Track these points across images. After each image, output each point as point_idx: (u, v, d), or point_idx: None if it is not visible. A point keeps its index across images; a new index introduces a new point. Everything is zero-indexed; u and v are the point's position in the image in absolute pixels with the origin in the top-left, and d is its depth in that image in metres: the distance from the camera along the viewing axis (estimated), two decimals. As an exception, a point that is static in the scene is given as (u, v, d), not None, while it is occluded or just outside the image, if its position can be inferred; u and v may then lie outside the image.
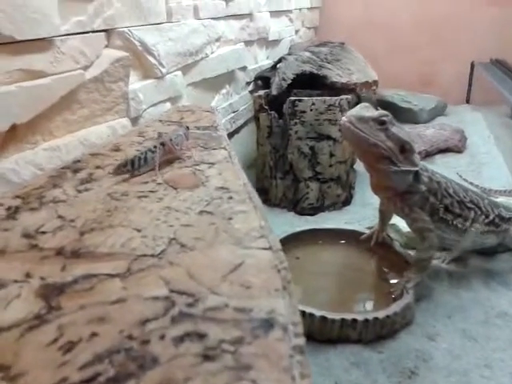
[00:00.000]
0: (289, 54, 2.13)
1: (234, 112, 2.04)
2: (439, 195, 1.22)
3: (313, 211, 1.81)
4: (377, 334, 1.10)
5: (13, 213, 0.74)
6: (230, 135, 2.02)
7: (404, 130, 1.16)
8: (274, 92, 1.82)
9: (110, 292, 0.53)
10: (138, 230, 0.67)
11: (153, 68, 1.33)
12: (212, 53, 1.74)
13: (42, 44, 0.94)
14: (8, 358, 0.44)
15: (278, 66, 1.97)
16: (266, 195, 1.89)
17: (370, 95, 1.87)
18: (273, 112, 1.78)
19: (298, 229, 1.49)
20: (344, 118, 1.11)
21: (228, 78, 1.96)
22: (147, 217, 0.71)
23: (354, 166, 1.90)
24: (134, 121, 1.27)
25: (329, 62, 2.02)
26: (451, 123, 2.59)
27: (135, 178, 0.87)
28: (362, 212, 1.77)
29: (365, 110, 1.13)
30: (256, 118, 1.88)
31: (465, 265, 1.41)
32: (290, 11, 2.78)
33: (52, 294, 0.54)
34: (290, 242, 1.41)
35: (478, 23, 3.22)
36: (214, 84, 1.82)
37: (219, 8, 1.78)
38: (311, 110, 1.70)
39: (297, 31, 3.00)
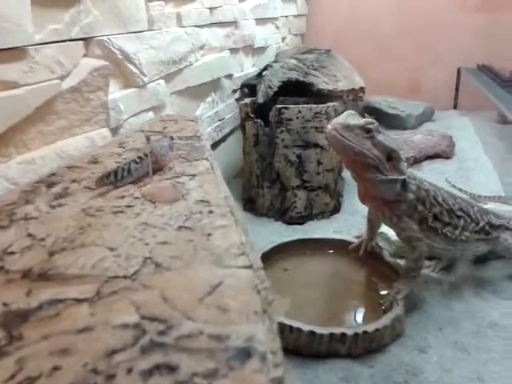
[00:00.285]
0: (275, 62, 2.11)
1: (219, 120, 2.01)
2: (428, 204, 1.19)
3: (301, 220, 1.77)
4: (366, 347, 1.07)
5: (-20, 232, 0.70)
6: (217, 144, 1.99)
7: (390, 138, 1.14)
8: (260, 100, 1.80)
9: (77, 319, 0.50)
10: (112, 249, 0.63)
11: (134, 77, 1.30)
12: (196, 61, 1.71)
13: (14, 53, 0.90)
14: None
15: (263, 73, 1.95)
16: (253, 204, 1.86)
17: (357, 102, 1.85)
18: (259, 120, 1.75)
19: (286, 239, 1.46)
20: (329, 126, 1.08)
21: (213, 85, 1.93)
22: (122, 234, 0.68)
23: (342, 174, 1.87)
24: (115, 131, 1.23)
25: (315, 69, 2.00)
26: (439, 129, 2.58)
27: (112, 191, 0.84)
28: (351, 220, 1.75)
29: (351, 117, 1.10)
30: (242, 127, 1.85)
31: (455, 273, 1.38)
32: (276, 18, 2.76)
33: (14, 323, 0.50)
34: (278, 252, 1.38)
35: (465, 29, 3.23)
36: (198, 92, 1.79)
37: (203, 16, 1.75)
38: (297, 117, 1.68)
39: (283, 38, 2.98)
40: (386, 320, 1.09)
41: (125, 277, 0.57)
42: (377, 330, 1.06)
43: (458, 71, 3.29)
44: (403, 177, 1.14)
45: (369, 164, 1.09)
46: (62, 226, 0.71)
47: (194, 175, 0.90)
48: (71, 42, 1.07)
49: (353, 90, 1.86)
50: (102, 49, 1.18)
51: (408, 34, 3.31)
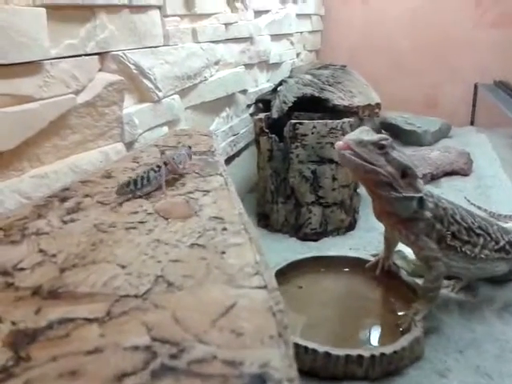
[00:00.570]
0: (290, 77, 2.10)
1: (234, 135, 2.00)
2: (446, 222, 1.16)
3: (316, 237, 1.75)
4: (384, 370, 1.03)
5: (-9, 247, 0.69)
6: (231, 158, 1.98)
7: (405, 155, 1.12)
8: (275, 115, 1.79)
9: (87, 340, 0.48)
10: (123, 267, 0.62)
11: (149, 92, 1.30)
12: (211, 76, 1.71)
13: (30, 68, 0.90)
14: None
15: (278, 88, 1.94)
16: (267, 220, 1.84)
17: (373, 118, 1.83)
18: (273, 135, 1.74)
19: (300, 256, 1.43)
20: (340, 143, 1.06)
21: (228, 101, 1.93)
22: (134, 251, 0.66)
23: (358, 190, 1.85)
24: (129, 146, 1.23)
25: (330, 85, 1.99)
26: (456, 145, 2.54)
27: (125, 207, 0.83)
28: (367, 237, 1.72)
29: (364, 133, 1.08)
30: (257, 142, 1.84)
31: (475, 294, 1.34)
32: (291, 34, 2.77)
33: (22, 343, 0.48)
34: (292, 270, 1.36)
35: (481, 45, 3.21)
36: (213, 107, 1.79)
37: (218, 31, 1.76)
38: (312, 133, 1.66)
39: (298, 54, 2.99)
40: (404, 342, 1.05)
41: (136, 296, 0.55)
42: (395, 352, 1.03)
43: (475, 87, 3.26)
44: (419, 194, 1.11)
45: (382, 181, 1.07)
46: (74, 241, 0.70)
47: (207, 191, 0.89)
48: (86, 57, 1.07)
49: (369, 105, 1.84)
50: (118, 64, 1.18)
51: (424, 50, 3.29)
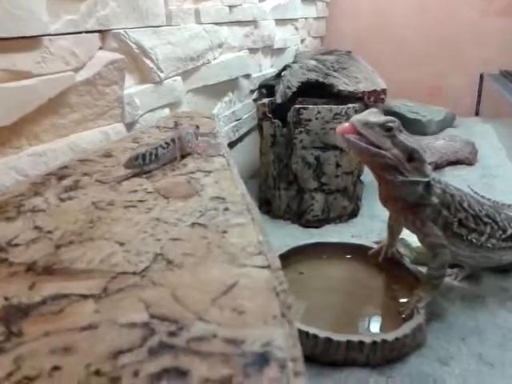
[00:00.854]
0: (294, 62, 2.07)
1: (236, 120, 1.97)
2: (453, 209, 1.14)
3: (318, 223, 1.73)
4: (385, 357, 1.02)
5: (-15, 223, 0.67)
6: (233, 144, 1.96)
7: (413, 138, 1.09)
8: (279, 100, 1.76)
9: (81, 316, 0.46)
10: (121, 244, 0.60)
11: (150, 72, 1.27)
12: (214, 59, 1.68)
13: (28, 43, 0.87)
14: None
15: (282, 73, 1.91)
16: (269, 206, 1.82)
17: (378, 104, 1.80)
18: (277, 120, 1.71)
19: (302, 242, 1.41)
20: (341, 126, 1.04)
21: (231, 85, 1.90)
22: (133, 229, 0.64)
23: (361, 177, 1.82)
24: (129, 126, 1.20)
25: (335, 71, 1.96)
26: (461, 135, 2.51)
27: (125, 186, 0.81)
28: (370, 225, 1.70)
29: (372, 115, 1.05)
30: (259, 127, 1.81)
31: (478, 282, 1.32)
32: (295, 20, 2.73)
33: (14, 318, 0.46)
34: (294, 256, 1.34)
35: (487, 34, 3.16)
36: (216, 91, 1.76)
37: (222, 13, 1.72)
38: (317, 118, 1.63)
39: (302, 40, 2.95)
40: (406, 329, 1.03)
41: (134, 273, 0.53)
42: (397, 338, 1.01)
43: (481, 77, 3.22)
44: (426, 179, 1.08)
45: (387, 164, 1.04)
46: (71, 219, 0.68)
47: (209, 171, 0.87)
48: (87, 34, 1.04)
49: (374, 91, 1.81)
50: (119, 42, 1.15)
51: (430, 39, 3.25)
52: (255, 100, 1.95)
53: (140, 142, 1.05)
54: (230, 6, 1.79)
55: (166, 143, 0.91)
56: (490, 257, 1.22)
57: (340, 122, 1.63)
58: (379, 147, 1.03)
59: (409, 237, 1.38)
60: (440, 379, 0.99)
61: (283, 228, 1.72)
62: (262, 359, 0.39)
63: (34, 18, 0.88)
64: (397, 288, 1.25)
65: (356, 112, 1.64)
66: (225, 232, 0.63)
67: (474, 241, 1.17)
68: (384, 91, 1.83)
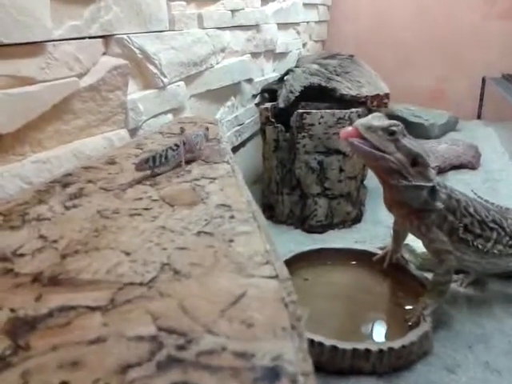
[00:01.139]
0: (296, 67, 2.07)
1: (239, 125, 1.97)
2: (458, 214, 1.13)
3: (321, 229, 1.72)
4: (392, 365, 1.01)
5: (-10, 232, 0.66)
6: (236, 149, 1.95)
7: (417, 142, 1.08)
8: (281, 104, 1.75)
9: (89, 329, 0.45)
10: (127, 254, 0.59)
11: (154, 77, 1.27)
12: (217, 63, 1.68)
13: (32, 49, 0.87)
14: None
15: (285, 78, 1.91)
16: (272, 211, 1.81)
17: (381, 108, 1.79)
18: (279, 125, 1.71)
19: (306, 248, 1.41)
20: (344, 130, 1.03)
21: (233, 90, 1.90)
22: (138, 238, 0.64)
23: (365, 182, 1.82)
24: (133, 132, 1.20)
25: (338, 75, 1.95)
26: (463, 139, 2.51)
27: (129, 193, 0.80)
28: (373, 230, 1.69)
29: (376, 119, 1.05)
30: (262, 131, 1.81)
31: (484, 289, 1.31)
32: (297, 24, 2.73)
33: (21, 331, 0.46)
34: (297, 262, 1.33)
35: (489, 37, 3.16)
36: (218, 96, 1.76)
37: (225, 18, 1.72)
38: (320, 123, 1.63)
39: (304, 44, 2.94)
40: (413, 336, 1.03)
41: (141, 284, 0.53)
42: (403, 346, 1.00)
43: (483, 80, 3.22)
44: (430, 184, 1.08)
45: (391, 169, 1.04)
46: (76, 227, 0.67)
47: (214, 178, 0.86)
48: (90, 39, 1.04)
49: (377, 95, 1.81)
50: (122, 47, 1.15)
51: (431, 42, 3.25)
52: (258, 104, 1.95)
53: (144, 148, 1.04)
54: (233, 11, 1.79)
55: (175, 145, 0.91)
56: (496, 263, 1.21)
57: (343, 127, 1.62)
58: (383, 151, 1.03)
59: (414, 242, 1.38)
60: (447, 387, 0.99)
61: (286, 233, 1.71)
62: (273, 374, 0.39)
63: (38, 24, 0.87)
64: (402, 294, 1.24)
65: (359, 116, 1.64)
66: (231, 241, 0.62)
67: (480, 247, 1.16)
68: (387, 95, 1.83)
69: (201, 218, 0.70)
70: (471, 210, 1.14)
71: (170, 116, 1.38)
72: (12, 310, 0.49)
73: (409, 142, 1.05)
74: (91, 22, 1.03)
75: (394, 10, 3.31)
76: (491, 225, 1.17)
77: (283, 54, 2.52)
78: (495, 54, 3.15)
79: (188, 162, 0.94)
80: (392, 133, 1.03)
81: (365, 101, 1.78)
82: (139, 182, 0.85)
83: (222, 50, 1.71)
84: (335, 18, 3.46)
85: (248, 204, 0.74)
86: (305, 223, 1.73)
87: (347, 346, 0.99)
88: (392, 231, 1.30)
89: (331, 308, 1.21)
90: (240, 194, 0.78)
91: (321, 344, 1.00)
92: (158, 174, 0.88)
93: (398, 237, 1.28)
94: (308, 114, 1.64)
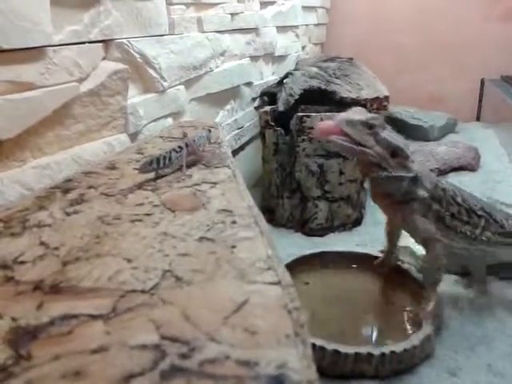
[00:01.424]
0: (296, 70, 2.06)
1: (238, 128, 1.97)
2: (444, 203, 1.13)
3: (321, 232, 1.72)
4: (394, 368, 1.01)
5: (-10, 239, 0.66)
6: (235, 152, 1.95)
7: (397, 135, 1.10)
8: (281, 108, 1.75)
9: (91, 338, 0.45)
10: (129, 260, 0.59)
11: (154, 81, 1.27)
12: (217, 67, 1.68)
13: (32, 54, 0.87)
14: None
15: (284, 81, 1.91)
16: (272, 215, 1.81)
17: (381, 111, 1.79)
18: (279, 128, 1.71)
19: (306, 251, 1.40)
20: (328, 123, 1.06)
21: (233, 93, 1.90)
22: (140, 244, 0.63)
23: (365, 185, 1.81)
24: (133, 137, 1.20)
25: (337, 78, 1.95)
26: (463, 141, 2.51)
27: (130, 199, 0.80)
28: (374, 233, 1.68)
29: (356, 113, 1.06)
30: (262, 135, 1.80)
31: (485, 291, 1.31)
32: (296, 27, 2.73)
33: (23, 340, 0.45)
34: (298, 265, 1.32)
35: (488, 40, 3.16)
36: (218, 99, 1.76)
37: (224, 21, 1.72)
38: (320, 126, 1.62)
39: (303, 47, 2.94)
40: (415, 339, 1.02)
41: (143, 291, 0.52)
42: (405, 350, 1.00)
43: (482, 82, 3.22)
44: (410, 174, 1.08)
45: (371, 162, 1.06)
46: (77, 234, 0.67)
47: (215, 183, 0.86)
48: (90, 44, 1.04)
49: (377, 98, 1.81)
50: (122, 52, 1.15)
51: (430, 44, 3.25)
52: (257, 108, 1.95)
53: (144, 153, 1.04)
54: (232, 14, 1.79)
55: (179, 147, 0.91)
56: (485, 250, 1.20)
57: (343, 130, 1.62)
58: (363, 145, 1.04)
59: (414, 245, 1.37)
60: (449, 391, 0.98)
61: (286, 237, 1.70)
62: (278, 382, 0.38)
63: (37, 29, 0.87)
64: (403, 297, 1.24)
65: (359, 119, 1.64)
66: (233, 247, 0.62)
67: (468, 233, 1.16)
68: (387, 98, 1.83)
69: (202, 223, 0.69)
70: (459, 199, 1.15)
71: (170, 120, 1.38)
72: (13, 319, 0.49)
73: (388, 134, 1.07)
74: (91, 27, 1.03)
75: (392, 12, 3.31)
76: (479, 212, 1.17)
77: (282, 57, 2.52)
78: (494, 56, 3.15)
79: (191, 165, 0.94)
80: (371, 126, 1.04)
81: (364, 104, 1.78)
82: (140, 186, 0.85)
83: (222, 54, 1.71)
84: (334, 20, 3.46)
85: (249, 209, 0.73)
86: (305, 226, 1.73)
87: (349, 350, 0.99)
88: (385, 232, 1.30)
89: (332, 311, 1.20)
90: (241, 198, 0.78)
91: (322, 348, 0.99)
92: (162, 176, 0.89)
93: (391, 237, 1.29)
94: (308, 117, 1.64)
